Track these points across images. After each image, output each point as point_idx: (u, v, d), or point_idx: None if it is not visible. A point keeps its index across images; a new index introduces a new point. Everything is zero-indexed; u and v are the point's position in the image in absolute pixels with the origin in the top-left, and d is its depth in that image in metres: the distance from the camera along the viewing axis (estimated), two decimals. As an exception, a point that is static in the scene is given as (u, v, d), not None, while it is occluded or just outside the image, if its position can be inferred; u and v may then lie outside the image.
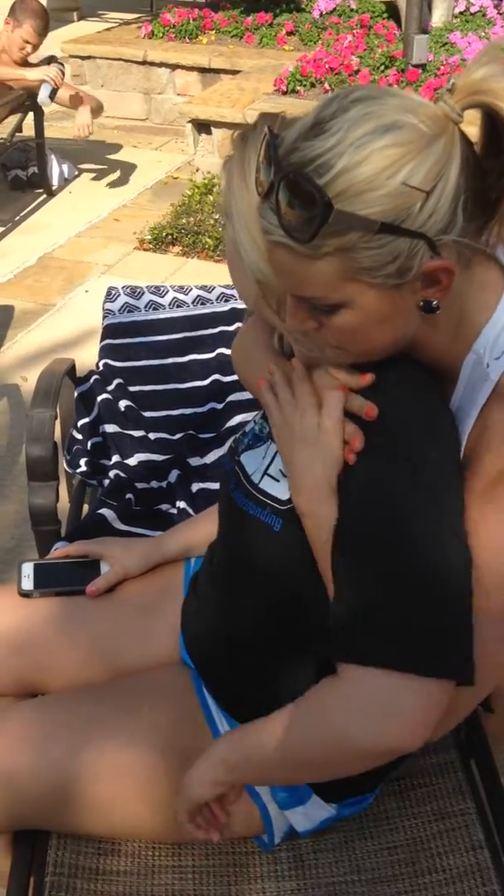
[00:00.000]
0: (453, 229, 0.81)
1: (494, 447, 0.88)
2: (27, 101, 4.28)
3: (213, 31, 6.04)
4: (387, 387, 0.91)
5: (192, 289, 2.16)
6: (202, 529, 1.31)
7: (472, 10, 5.89)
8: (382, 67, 4.82)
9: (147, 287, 2.16)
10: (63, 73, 4.25)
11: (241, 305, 2.12)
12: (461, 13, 5.84)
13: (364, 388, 0.92)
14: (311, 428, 0.93)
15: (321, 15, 6.03)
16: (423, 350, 0.92)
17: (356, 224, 0.78)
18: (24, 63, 4.30)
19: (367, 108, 0.79)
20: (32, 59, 4.35)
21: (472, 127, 0.83)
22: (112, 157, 5.21)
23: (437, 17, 5.52)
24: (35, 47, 4.28)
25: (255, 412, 1.17)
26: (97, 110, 4.51)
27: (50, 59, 4.45)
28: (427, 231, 0.79)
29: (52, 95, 4.19)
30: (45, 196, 4.63)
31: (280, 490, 0.99)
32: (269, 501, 1.00)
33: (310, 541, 0.94)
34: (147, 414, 1.84)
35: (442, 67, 4.72)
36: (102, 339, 2.02)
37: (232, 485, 1.08)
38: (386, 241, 0.79)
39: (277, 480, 1.00)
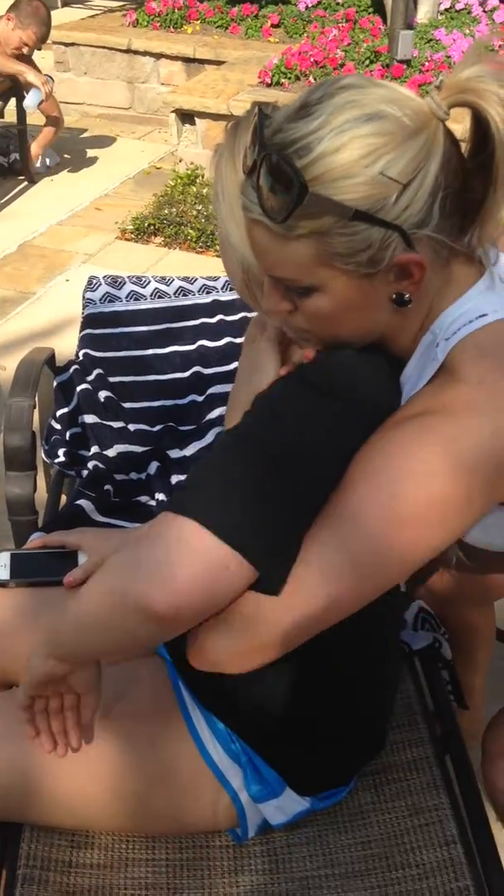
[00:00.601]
0: (429, 225, 0.82)
1: (418, 400, 0.89)
2: (10, 88, 4.25)
3: (199, 21, 6.00)
4: (336, 350, 0.93)
5: (174, 280, 2.15)
6: None
7: (458, 6, 5.89)
8: (367, 62, 4.82)
9: (128, 277, 2.15)
10: (51, 87, 4.25)
11: (223, 297, 2.11)
12: (446, 10, 5.84)
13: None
14: (253, 352, 0.99)
15: (307, 8, 6.01)
16: (392, 343, 0.93)
17: (330, 209, 0.79)
18: (17, 57, 4.28)
19: (352, 95, 0.79)
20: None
21: (458, 125, 0.84)
22: (95, 145, 5.17)
23: (423, 14, 5.52)
24: (31, 51, 4.27)
25: None
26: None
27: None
28: (402, 223, 0.80)
29: (39, 104, 4.20)
30: (26, 183, 4.59)
31: None
32: None
33: None
34: (127, 405, 1.82)
35: (426, 63, 4.72)
36: (82, 328, 2.01)
37: None
38: (359, 228, 0.80)
39: None
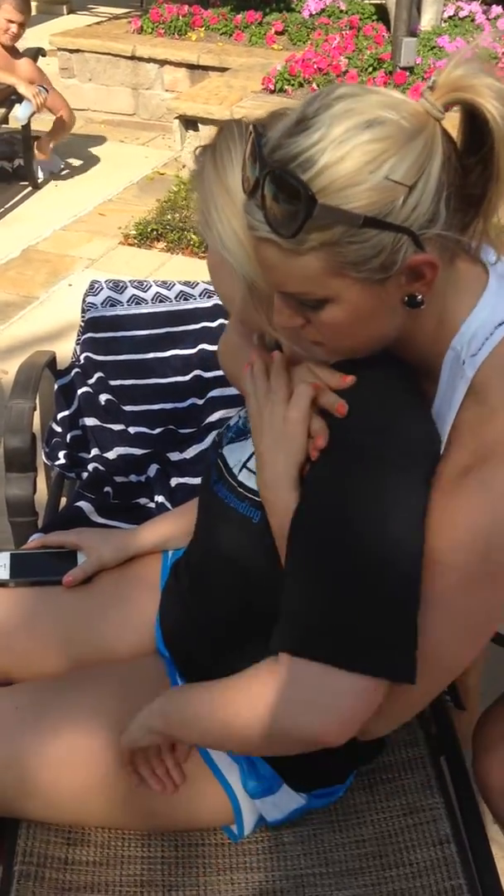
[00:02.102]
0: (437, 223, 0.82)
1: (462, 443, 0.89)
2: (13, 94, 4.27)
3: (203, 29, 6.04)
4: (362, 385, 0.92)
5: (174, 284, 2.16)
6: (180, 522, 1.32)
7: (461, 14, 5.92)
8: (370, 69, 4.84)
9: (130, 281, 2.16)
10: (45, 99, 4.26)
11: (223, 302, 2.12)
12: (450, 17, 5.87)
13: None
14: (278, 418, 0.95)
15: (311, 15, 6.04)
16: (407, 348, 0.93)
17: (340, 218, 0.79)
18: (13, 50, 4.29)
19: (348, 104, 0.80)
20: (19, 45, 4.34)
21: (449, 126, 0.84)
22: (98, 151, 5.20)
23: (426, 21, 5.55)
24: (21, 26, 4.24)
25: (238, 407, 1.17)
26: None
27: (38, 51, 4.44)
28: (410, 225, 0.80)
29: (30, 116, 4.24)
30: (30, 189, 4.62)
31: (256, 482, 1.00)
32: (248, 494, 1.02)
33: (272, 532, 0.95)
34: (127, 408, 1.84)
35: (429, 70, 4.74)
36: (84, 332, 2.02)
37: (214, 477, 1.09)
38: (370, 235, 0.80)
39: (255, 473, 1.01)
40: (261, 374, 1.00)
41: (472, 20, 5.89)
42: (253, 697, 0.91)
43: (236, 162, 0.91)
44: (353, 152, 0.78)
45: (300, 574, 0.90)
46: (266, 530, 0.97)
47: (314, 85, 4.66)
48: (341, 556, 0.87)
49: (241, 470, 1.04)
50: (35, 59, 4.47)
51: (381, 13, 5.76)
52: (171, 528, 1.32)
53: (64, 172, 4.85)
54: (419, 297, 0.86)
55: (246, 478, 1.03)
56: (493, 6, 6.08)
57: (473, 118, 0.82)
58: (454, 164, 0.83)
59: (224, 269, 0.97)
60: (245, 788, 1.09)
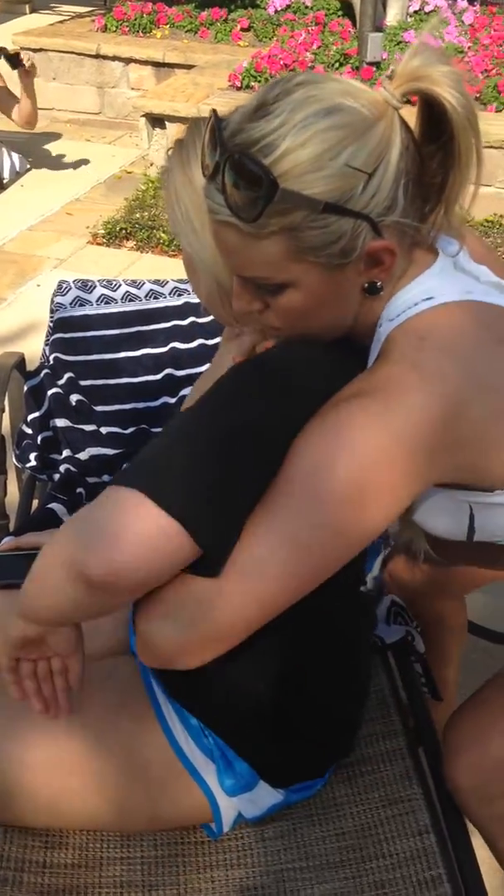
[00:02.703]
0: (395, 210, 0.83)
1: (353, 380, 0.88)
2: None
3: (168, 26, 6.01)
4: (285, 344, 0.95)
5: (144, 283, 2.15)
6: None
7: (427, 9, 5.94)
8: (337, 65, 4.85)
9: (99, 281, 2.15)
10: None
11: (194, 300, 2.11)
12: (415, 12, 5.88)
13: None
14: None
15: (276, 11, 6.03)
16: (361, 326, 0.93)
17: (301, 203, 0.79)
18: None
19: (309, 91, 0.80)
20: None
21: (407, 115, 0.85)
22: (64, 150, 5.16)
23: (392, 16, 5.56)
24: None
25: None
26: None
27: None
28: (370, 212, 0.81)
29: None
30: (-4, 189, 4.58)
31: None
32: None
33: None
34: (99, 408, 1.83)
35: (386, 73, 4.75)
36: (53, 332, 2.00)
37: None
38: (330, 220, 0.81)
39: None
40: (227, 337, 1.05)
41: (438, 15, 5.91)
42: (64, 528, 0.87)
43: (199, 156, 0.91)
44: (313, 138, 0.79)
45: (160, 437, 0.88)
46: None
47: (280, 81, 4.66)
48: (203, 432, 0.85)
49: None
50: None
51: (347, 9, 5.76)
52: None
53: (30, 172, 4.81)
54: (378, 283, 0.87)
55: None
56: (459, 1, 6.11)
57: (431, 107, 0.83)
58: (412, 152, 0.84)
59: (191, 265, 0.99)
60: (222, 787, 1.09)
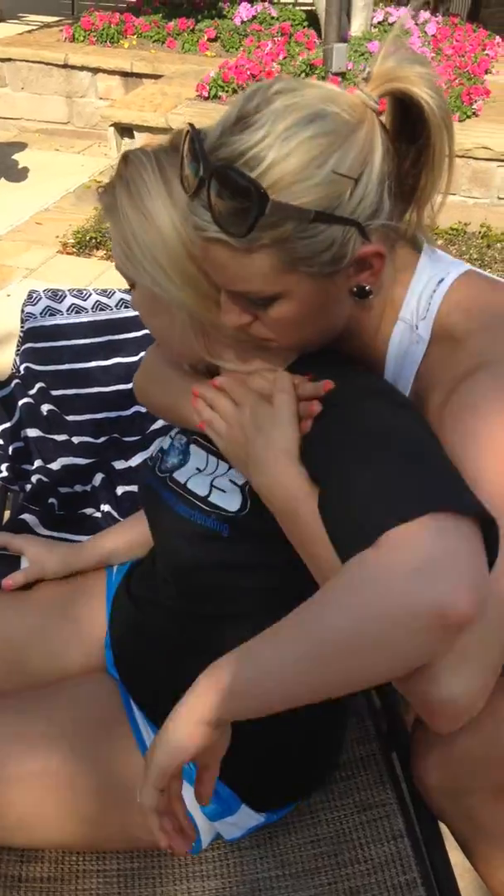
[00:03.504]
0: (381, 214, 0.83)
1: (435, 383, 0.90)
2: None
3: (135, 36, 6.02)
4: (323, 370, 0.91)
5: (115, 292, 2.15)
6: (124, 537, 1.31)
7: (391, 20, 6.01)
8: (303, 74, 4.88)
9: (69, 290, 2.15)
10: None
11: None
12: (379, 23, 5.95)
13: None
14: (265, 416, 0.89)
15: (242, 22, 6.06)
16: (354, 338, 0.94)
17: (291, 214, 0.78)
18: None
19: (289, 99, 0.80)
20: None
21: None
22: (33, 160, 5.14)
23: (356, 27, 5.62)
24: None
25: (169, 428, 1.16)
26: None
27: None
28: (358, 217, 0.81)
29: None
30: (-36, 199, 4.55)
31: (227, 501, 0.99)
32: (215, 511, 0.99)
33: (289, 536, 0.87)
34: (70, 418, 1.82)
35: (360, 75, 4.80)
36: (23, 342, 2.00)
37: (172, 499, 1.05)
38: (320, 229, 0.80)
39: (224, 491, 1.00)
40: (217, 396, 0.96)
41: (402, 25, 5.98)
42: (362, 590, 0.69)
43: (153, 189, 0.89)
44: (298, 148, 0.78)
45: (342, 478, 0.78)
46: (237, 540, 0.97)
47: (248, 91, 4.69)
48: (368, 447, 0.78)
49: (209, 493, 1.01)
50: None
51: (312, 19, 5.81)
52: (115, 542, 1.30)
53: (-1, 182, 4.79)
54: (367, 287, 0.87)
55: (217, 498, 1.00)
56: (422, 12, 6.18)
57: (407, 107, 0.83)
58: (391, 153, 0.83)
59: (157, 304, 0.95)
60: (202, 811, 1.08)
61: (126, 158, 0.94)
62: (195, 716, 0.75)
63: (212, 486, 1.02)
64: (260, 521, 0.93)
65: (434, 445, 0.80)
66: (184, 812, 0.82)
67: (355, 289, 0.87)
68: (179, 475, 1.07)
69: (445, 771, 1.05)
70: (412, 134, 0.85)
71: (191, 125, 0.84)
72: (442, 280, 0.90)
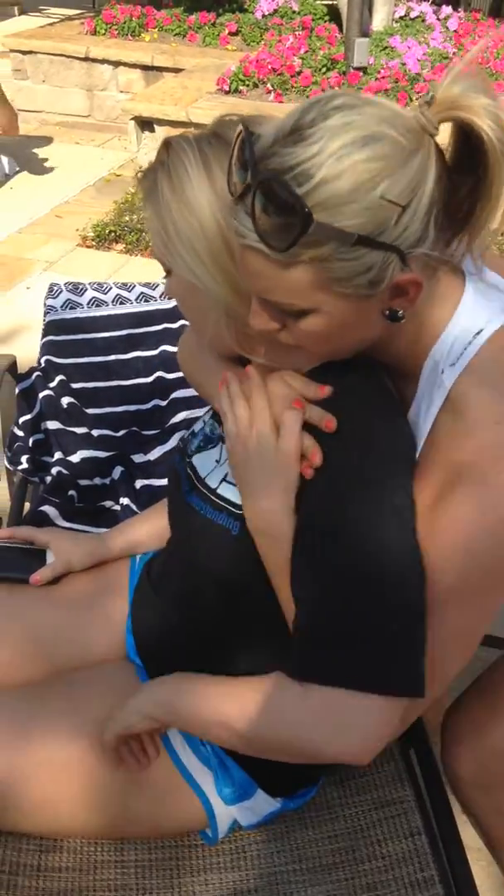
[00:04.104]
0: (425, 243, 0.81)
1: (437, 459, 0.90)
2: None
3: (156, 30, 6.02)
4: (344, 397, 0.92)
5: (135, 286, 2.16)
6: (148, 527, 1.31)
7: (412, 15, 5.98)
8: (324, 69, 4.87)
9: (90, 284, 2.15)
10: None
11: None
12: (401, 18, 5.92)
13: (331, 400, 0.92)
14: (267, 448, 0.93)
15: (263, 16, 6.05)
16: (387, 351, 0.93)
17: (333, 235, 0.77)
18: None
19: (346, 117, 0.78)
20: None
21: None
22: (53, 153, 5.15)
23: (378, 22, 5.59)
24: None
25: (202, 409, 1.17)
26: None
27: None
28: (400, 244, 0.79)
29: None
30: (-16, 192, 4.57)
31: (237, 495, 0.99)
32: (226, 505, 1.00)
33: (263, 559, 0.94)
34: (90, 411, 1.83)
35: (382, 70, 4.78)
36: (44, 335, 2.01)
37: (185, 487, 1.07)
38: (360, 253, 0.78)
39: (234, 485, 1.00)
40: (238, 396, 0.97)
41: (423, 20, 5.95)
42: (279, 719, 0.90)
43: (195, 179, 0.89)
44: (350, 169, 0.76)
45: (308, 599, 0.89)
46: (245, 541, 0.96)
47: (269, 85, 4.67)
48: (346, 579, 0.86)
49: (220, 483, 1.02)
50: None
51: (333, 14, 5.79)
52: (140, 533, 1.31)
53: (18, 175, 4.80)
54: (400, 312, 0.86)
55: (226, 491, 1.01)
56: (443, 6, 6.15)
57: (467, 137, 0.81)
58: (444, 181, 0.82)
59: (192, 293, 0.95)
60: (220, 795, 1.09)
61: (168, 145, 0.93)
62: (144, 711, 1.01)
63: (224, 477, 1.03)
64: None
65: (406, 578, 0.86)
66: (147, 740, 1.07)
67: (387, 312, 0.86)
68: (199, 463, 1.07)
69: (478, 763, 1.05)
70: (471, 163, 0.82)
71: (245, 127, 0.82)
72: (480, 332, 0.88)
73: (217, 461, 1.05)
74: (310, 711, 0.87)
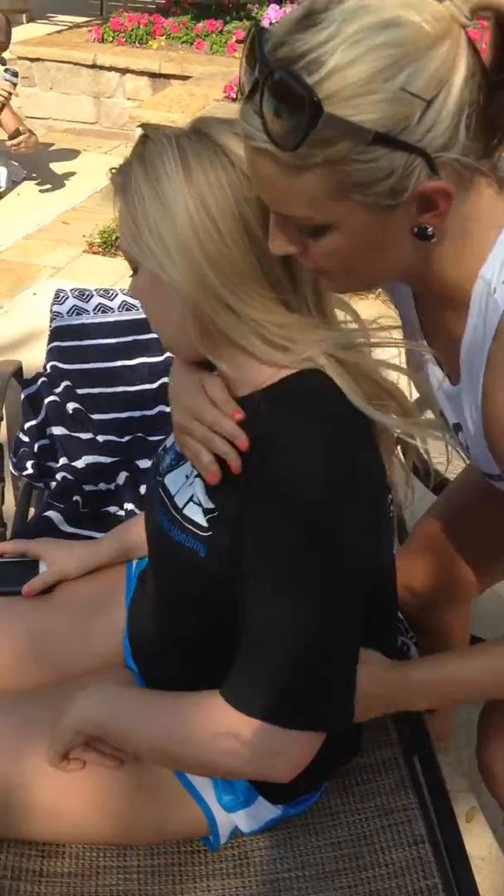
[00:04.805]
0: (455, 147, 0.72)
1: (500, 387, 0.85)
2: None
3: (164, 37, 6.04)
4: (291, 432, 0.87)
5: (140, 292, 2.16)
6: (140, 530, 1.31)
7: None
8: (331, 77, 4.88)
9: (96, 290, 2.16)
10: (14, 85, 4.11)
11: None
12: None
13: (273, 420, 0.89)
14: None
15: (271, 24, 6.05)
16: (430, 278, 0.86)
17: (348, 131, 0.69)
18: None
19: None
20: None
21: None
22: (61, 159, 5.17)
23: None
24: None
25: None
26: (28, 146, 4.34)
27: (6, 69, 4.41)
28: (426, 146, 0.71)
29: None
30: (-9, 198, 4.58)
31: (201, 516, 0.97)
32: (191, 527, 0.98)
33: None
34: (95, 416, 1.83)
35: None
36: (50, 341, 2.01)
37: (157, 507, 1.06)
38: (380, 153, 0.70)
39: (200, 505, 0.98)
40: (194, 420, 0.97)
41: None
42: (204, 741, 0.93)
43: (171, 173, 0.88)
44: (366, 56, 0.68)
45: (250, 632, 0.91)
46: (213, 563, 0.96)
47: (276, 93, 4.69)
48: (287, 622, 0.88)
49: (186, 503, 1.00)
50: None
51: (341, 22, 5.81)
52: (133, 536, 1.30)
53: (26, 181, 4.82)
54: (430, 229, 0.77)
55: (191, 511, 0.99)
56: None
57: None
58: (479, 81, 0.72)
59: (158, 290, 0.93)
60: (220, 802, 1.08)
61: (146, 138, 0.91)
62: (75, 727, 1.02)
63: (190, 497, 1.00)
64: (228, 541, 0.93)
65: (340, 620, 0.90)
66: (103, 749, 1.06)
67: (416, 229, 0.76)
68: (171, 481, 1.06)
69: None
70: None
71: (256, 23, 0.76)
72: None
73: (187, 476, 1.03)
74: (240, 740, 0.90)
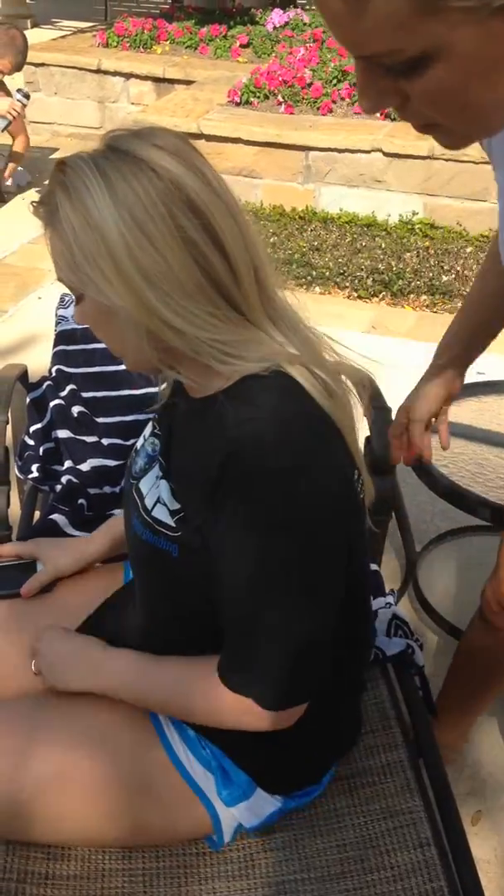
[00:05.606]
0: None
1: None
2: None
3: (168, 42, 6.06)
4: (266, 432, 0.87)
5: (145, 296, 2.16)
6: None
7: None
8: (335, 81, 4.88)
9: (100, 293, 2.16)
10: (24, 105, 4.25)
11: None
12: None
13: (235, 421, 0.88)
14: None
15: (274, 28, 6.08)
16: None
17: None
18: None
19: None
20: None
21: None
22: (66, 164, 5.18)
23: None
24: (3, 74, 4.33)
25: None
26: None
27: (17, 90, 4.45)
28: None
29: (5, 127, 4.24)
30: (-3, 203, 4.60)
31: (168, 517, 0.98)
32: (161, 529, 0.98)
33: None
34: (100, 420, 1.83)
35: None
36: (55, 345, 2.01)
37: (131, 511, 1.06)
38: None
39: (166, 506, 0.98)
40: None
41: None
42: (201, 704, 1.01)
43: (95, 194, 0.86)
44: None
45: (233, 621, 0.96)
46: (186, 562, 0.96)
47: (280, 97, 4.69)
48: (270, 611, 0.92)
49: (154, 505, 1.00)
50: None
51: (345, 26, 5.81)
52: (122, 530, 1.31)
53: (31, 186, 4.84)
54: None
55: (158, 512, 0.99)
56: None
57: None
58: None
59: (105, 314, 0.91)
60: (220, 798, 1.09)
61: (64, 165, 0.90)
62: (84, 686, 1.11)
63: (157, 499, 1.00)
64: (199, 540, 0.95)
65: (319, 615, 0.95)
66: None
67: None
68: (143, 484, 1.06)
69: None
70: None
71: None
72: None
73: (157, 478, 1.03)
74: (225, 705, 0.99)
